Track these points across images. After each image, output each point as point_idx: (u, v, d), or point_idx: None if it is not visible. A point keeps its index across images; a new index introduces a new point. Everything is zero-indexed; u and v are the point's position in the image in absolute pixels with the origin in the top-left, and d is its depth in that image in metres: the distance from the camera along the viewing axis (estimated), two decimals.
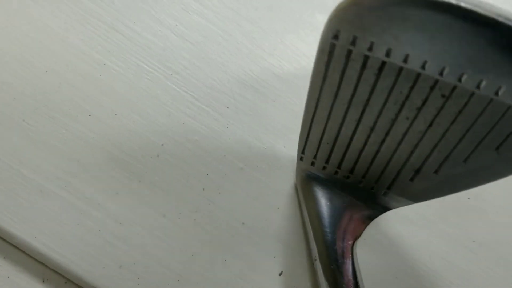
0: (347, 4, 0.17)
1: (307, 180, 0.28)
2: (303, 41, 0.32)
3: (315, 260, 0.27)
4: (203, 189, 0.30)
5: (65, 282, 0.28)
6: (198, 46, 0.31)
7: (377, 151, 0.25)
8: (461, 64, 0.18)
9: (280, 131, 0.31)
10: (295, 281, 0.30)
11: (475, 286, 0.30)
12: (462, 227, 0.31)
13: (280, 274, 0.29)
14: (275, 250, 0.30)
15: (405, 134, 0.23)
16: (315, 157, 0.27)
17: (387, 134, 0.23)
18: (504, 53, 0.17)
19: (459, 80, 0.19)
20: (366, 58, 0.20)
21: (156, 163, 0.30)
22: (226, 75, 0.31)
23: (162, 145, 0.30)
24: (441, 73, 0.19)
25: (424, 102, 0.21)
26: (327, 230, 0.27)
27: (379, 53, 0.19)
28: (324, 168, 0.27)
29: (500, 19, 0.16)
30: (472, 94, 0.19)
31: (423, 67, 0.19)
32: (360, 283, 0.26)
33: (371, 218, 0.28)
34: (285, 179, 0.30)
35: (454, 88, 0.20)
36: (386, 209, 0.28)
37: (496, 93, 0.19)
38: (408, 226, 0.30)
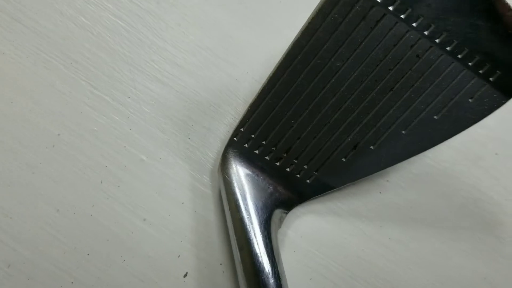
0: None
1: (233, 164, 0.27)
2: (206, 35, 0.30)
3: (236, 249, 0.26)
4: (101, 182, 0.28)
5: None
6: (99, 37, 0.30)
7: (323, 127, 0.26)
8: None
9: (184, 122, 0.29)
10: (201, 283, 0.28)
11: (392, 285, 0.29)
12: (377, 224, 0.29)
13: (184, 276, 0.28)
14: (179, 249, 0.28)
15: (361, 103, 0.26)
16: (254, 133, 0.27)
17: (343, 105, 0.26)
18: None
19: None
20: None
21: (52, 153, 0.28)
22: (128, 65, 0.29)
23: (58, 135, 0.28)
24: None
25: (396, 64, 0.25)
26: (245, 216, 0.26)
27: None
28: (259, 146, 0.27)
29: None
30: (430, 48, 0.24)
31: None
32: (282, 276, 0.25)
33: (290, 206, 0.28)
34: (190, 172, 0.29)
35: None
36: (306, 197, 0.28)
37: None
38: (322, 224, 0.29)
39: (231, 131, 0.28)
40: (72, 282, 0.27)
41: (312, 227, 0.29)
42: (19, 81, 0.29)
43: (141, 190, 0.29)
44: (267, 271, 0.25)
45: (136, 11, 0.30)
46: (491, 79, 0.25)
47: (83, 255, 0.27)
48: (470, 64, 0.25)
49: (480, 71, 0.25)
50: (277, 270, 0.25)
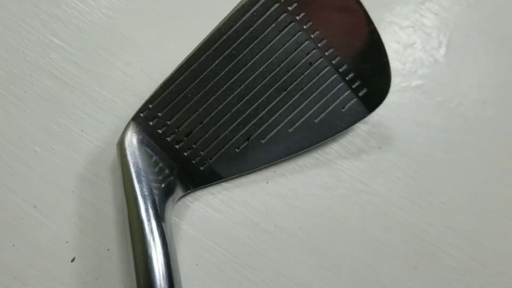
0: None
1: (134, 139, 0.28)
2: (104, 35, 0.32)
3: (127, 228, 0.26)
4: None
5: None
6: (0, 36, 0.31)
7: (224, 116, 0.28)
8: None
9: (78, 116, 0.31)
10: (88, 268, 0.29)
11: (278, 272, 0.30)
12: (263, 212, 0.30)
13: (72, 261, 0.29)
14: (68, 235, 0.29)
15: (261, 97, 0.29)
16: (161, 112, 0.28)
17: (245, 97, 0.28)
18: None
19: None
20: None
21: None
22: (26, 62, 0.31)
23: None
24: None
25: (294, 67, 0.29)
26: (139, 192, 0.26)
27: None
28: (163, 126, 0.28)
29: None
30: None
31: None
32: (173, 258, 0.26)
33: (183, 191, 0.29)
34: (81, 162, 0.30)
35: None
36: (197, 184, 0.30)
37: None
38: (210, 212, 0.31)
39: (129, 117, 0.29)
40: None
41: (199, 215, 0.31)
42: None
43: (33, 179, 0.30)
44: (158, 251, 0.25)
45: (38, 13, 0.32)
46: (359, 94, 0.30)
47: None
48: (346, 78, 0.29)
49: (353, 86, 0.29)
50: (168, 253, 0.25)
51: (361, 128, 0.34)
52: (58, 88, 0.31)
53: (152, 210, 0.26)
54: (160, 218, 0.26)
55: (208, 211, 0.31)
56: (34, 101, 0.31)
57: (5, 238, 0.29)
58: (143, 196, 0.26)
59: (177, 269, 0.26)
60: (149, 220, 0.25)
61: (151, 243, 0.25)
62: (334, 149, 0.33)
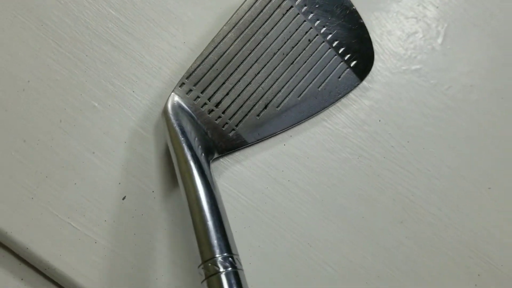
0: None
1: (176, 106, 0.32)
2: (152, 8, 0.37)
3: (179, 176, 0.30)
4: (60, 121, 0.34)
5: None
6: (66, 6, 0.36)
7: (245, 87, 0.33)
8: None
9: (130, 78, 0.36)
10: (135, 205, 0.34)
11: (290, 218, 0.36)
12: (279, 169, 0.36)
13: (123, 199, 0.34)
14: (120, 177, 0.34)
15: (273, 70, 0.34)
16: (195, 85, 0.32)
17: (260, 70, 0.34)
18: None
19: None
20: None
21: (22, 96, 0.34)
22: (87, 29, 0.36)
23: (28, 81, 0.34)
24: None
25: (296, 44, 0.34)
26: (186, 145, 0.30)
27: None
28: (197, 97, 0.33)
29: None
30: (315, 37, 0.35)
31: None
32: (219, 200, 0.30)
33: (215, 154, 0.34)
34: (132, 118, 0.35)
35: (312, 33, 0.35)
36: (227, 149, 0.34)
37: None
38: (237, 166, 0.36)
39: (172, 87, 0.34)
40: (32, 198, 0.33)
41: (228, 168, 0.36)
42: None
43: (92, 130, 0.35)
44: (206, 191, 0.29)
45: None
46: (351, 65, 0.35)
47: (42, 178, 0.34)
48: (339, 52, 0.35)
49: (345, 58, 0.35)
50: (214, 195, 0.29)
51: (365, 103, 0.39)
52: (114, 54, 0.36)
53: (198, 158, 0.30)
54: (204, 164, 0.30)
55: (235, 165, 0.36)
56: (93, 63, 0.36)
57: (68, 178, 0.34)
58: (189, 148, 0.30)
59: (223, 206, 0.30)
60: (196, 163, 0.30)
61: (200, 183, 0.29)
62: (341, 119, 0.39)
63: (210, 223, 0.27)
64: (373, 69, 0.38)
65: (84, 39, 0.35)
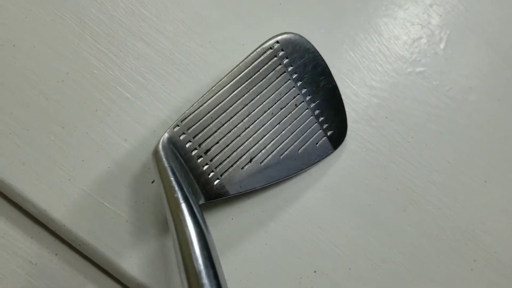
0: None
1: (167, 149, 0.31)
2: (181, 10, 0.40)
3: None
4: (96, 110, 0.37)
5: None
6: (102, 5, 0.38)
7: (234, 139, 0.34)
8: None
9: (160, 73, 0.38)
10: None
11: (304, 206, 0.38)
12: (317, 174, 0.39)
13: (152, 182, 0.36)
14: (150, 162, 0.37)
15: (261, 127, 0.35)
16: (189, 129, 0.32)
17: (250, 125, 0.34)
18: None
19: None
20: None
21: (61, 86, 0.37)
22: (122, 27, 0.38)
23: (67, 73, 0.37)
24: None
25: (284, 106, 0.36)
26: (177, 189, 0.30)
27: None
28: (189, 141, 0.32)
29: None
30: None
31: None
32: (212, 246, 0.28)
33: (202, 199, 0.32)
34: (161, 108, 0.38)
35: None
36: (209, 197, 0.32)
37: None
38: None
39: (198, 83, 0.37)
40: (69, 179, 0.36)
41: None
42: (41, 32, 0.37)
43: (125, 119, 0.37)
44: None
45: None
46: (328, 134, 0.38)
47: (78, 161, 0.35)
48: (319, 120, 0.37)
49: (323, 127, 0.37)
50: (206, 237, 0.28)
51: (373, 101, 0.42)
52: (146, 50, 0.39)
53: (189, 199, 0.29)
54: (195, 205, 0.29)
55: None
56: (127, 58, 0.38)
57: (102, 162, 0.35)
58: (180, 189, 0.29)
59: (215, 248, 0.28)
60: (188, 205, 0.29)
61: (192, 225, 0.28)
62: (351, 115, 0.41)
63: (202, 268, 0.26)
64: (381, 69, 0.41)
65: (118, 35, 0.38)
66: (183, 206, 0.28)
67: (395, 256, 0.38)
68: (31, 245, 0.35)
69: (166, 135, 0.31)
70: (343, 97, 0.39)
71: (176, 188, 0.29)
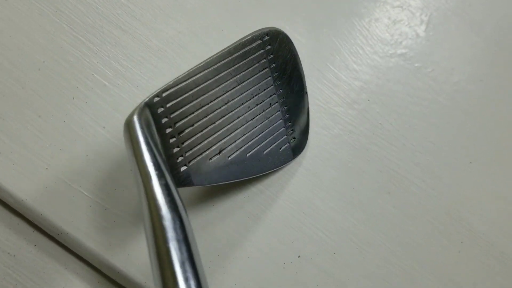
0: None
1: (142, 121, 0.26)
2: None
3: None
4: (73, 98, 0.36)
5: None
6: None
7: (209, 126, 0.31)
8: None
9: (137, 60, 0.37)
10: None
11: (285, 189, 0.37)
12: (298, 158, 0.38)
13: (131, 170, 0.35)
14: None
15: (236, 119, 0.33)
16: (168, 103, 0.28)
17: (226, 114, 0.32)
18: None
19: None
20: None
21: (37, 75, 0.36)
22: (98, 15, 0.38)
23: (43, 62, 0.36)
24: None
25: (260, 103, 0.34)
26: (151, 165, 0.25)
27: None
28: (166, 117, 0.28)
29: None
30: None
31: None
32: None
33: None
34: (139, 95, 0.37)
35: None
36: (178, 183, 0.29)
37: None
38: None
39: (176, 69, 0.36)
40: (46, 168, 0.35)
41: None
42: (17, 22, 0.37)
43: (103, 106, 0.36)
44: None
45: None
46: (290, 141, 0.36)
47: (56, 150, 0.35)
48: (287, 125, 0.36)
49: (289, 132, 0.36)
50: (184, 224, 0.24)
51: (355, 84, 0.41)
52: (123, 37, 0.38)
53: (164, 176, 0.25)
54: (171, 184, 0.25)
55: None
56: (104, 46, 0.38)
57: (80, 150, 0.35)
58: (156, 165, 0.25)
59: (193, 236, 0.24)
60: (163, 180, 0.24)
61: (167, 206, 0.23)
62: (333, 98, 0.41)
63: (178, 258, 0.22)
64: (362, 52, 0.40)
65: (95, 23, 0.37)
66: (159, 183, 0.24)
67: (381, 239, 0.37)
68: (9, 236, 0.34)
69: (144, 104, 0.26)
70: (324, 81, 0.38)
71: (151, 162, 0.24)
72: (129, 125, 0.25)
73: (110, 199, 0.35)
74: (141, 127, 0.25)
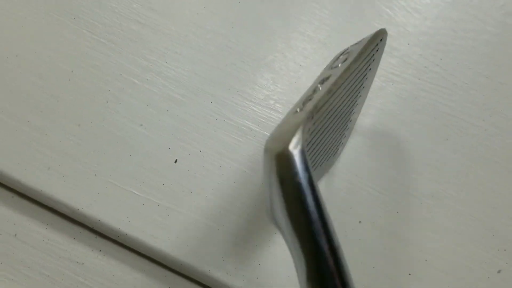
0: None
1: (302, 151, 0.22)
2: None
3: None
4: (107, 102, 0.36)
5: (12, 197, 0.35)
6: None
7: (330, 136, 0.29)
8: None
9: (161, 51, 0.36)
10: (187, 165, 0.35)
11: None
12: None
13: (175, 162, 0.35)
14: (169, 142, 0.35)
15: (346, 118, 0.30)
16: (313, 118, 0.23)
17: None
18: None
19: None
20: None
21: (68, 85, 0.36)
22: (114, 13, 0.37)
23: (72, 71, 0.36)
24: None
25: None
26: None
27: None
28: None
29: None
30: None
31: None
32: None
33: None
34: (169, 86, 0.36)
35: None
36: None
37: None
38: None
39: (198, 51, 0.35)
40: (95, 175, 0.35)
41: None
42: (39, 37, 0.36)
43: (136, 104, 0.36)
44: None
45: None
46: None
47: (100, 155, 0.35)
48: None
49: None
50: None
51: (390, 29, 0.38)
52: (142, 31, 0.37)
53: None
54: None
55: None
56: (126, 44, 0.37)
57: (123, 151, 0.35)
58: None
59: None
60: None
61: None
62: None
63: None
64: None
65: (113, 23, 0.37)
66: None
67: (445, 189, 0.34)
68: (74, 246, 0.34)
69: (301, 128, 0.18)
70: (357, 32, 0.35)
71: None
72: (285, 161, 0.17)
73: (160, 194, 0.34)
74: (303, 163, 0.17)
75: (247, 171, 0.34)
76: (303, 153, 0.17)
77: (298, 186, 0.17)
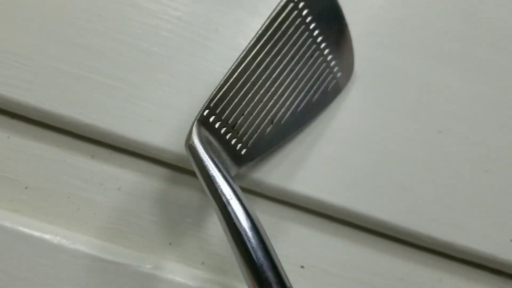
0: None
1: (201, 138, 0.26)
2: None
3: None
4: (193, 51, 0.35)
5: (110, 154, 0.34)
6: None
7: (258, 106, 0.30)
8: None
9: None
10: None
11: None
12: None
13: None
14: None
15: (281, 87, 0.30)
16: (217, 109, 0.28)
17: (272, 88, 0.30)
18: None
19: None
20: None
21: (157, 39, 0.35)
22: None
23: (156, 25, 0.35)
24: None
25: (302, 60, 0.31)
26: (220, 180, 0.26)
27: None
28: (218, 121, 0.28)
29: None
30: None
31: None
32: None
33: (234, 170, 0.30)
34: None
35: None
36: (240, 164, 0.30)
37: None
38: None
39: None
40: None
41: None
42: None
43: (222, 51, 0.35)
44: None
45: None
46: (337, 75, 0.35)
47: (196, 102, 0.34)
48: (330, 65, 0.34)
49: (334, 70, 0.34)
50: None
51: None
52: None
53: (234, 188, 0.25)
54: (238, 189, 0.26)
55: None
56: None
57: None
58: (225, 179, 0.25)
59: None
60: (234, 193, 0.25)
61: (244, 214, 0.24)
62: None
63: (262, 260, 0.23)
64: None
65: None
66: (232, 202, 0.24)
67: None
68: (180, 191, 0.35)
69: (196, 123, 0.26)
70: None
71: (218, 180, 0.25)
72: (190, 148, 0.26)
73: None
74: (203, 147, 0.26)
75: None
76: (200, 143, 0.26)
77: (201, 162, 0.25)
